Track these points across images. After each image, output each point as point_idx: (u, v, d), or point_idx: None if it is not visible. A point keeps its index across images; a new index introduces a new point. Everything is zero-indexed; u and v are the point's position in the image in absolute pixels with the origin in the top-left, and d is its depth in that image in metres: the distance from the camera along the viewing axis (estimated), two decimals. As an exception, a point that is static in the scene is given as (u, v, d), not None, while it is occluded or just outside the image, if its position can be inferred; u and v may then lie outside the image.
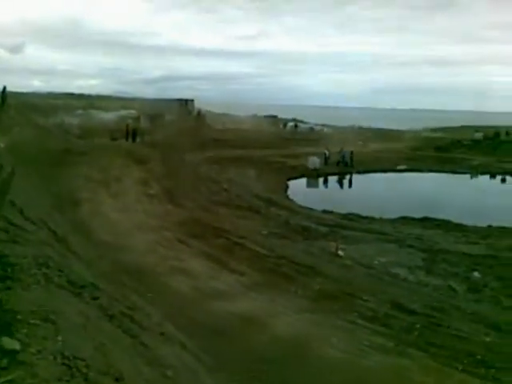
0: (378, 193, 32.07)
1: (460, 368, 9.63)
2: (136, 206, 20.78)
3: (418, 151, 48.91)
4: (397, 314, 12.05)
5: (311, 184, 36.83)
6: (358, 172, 40.34)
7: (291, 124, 61.76)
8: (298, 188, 34.17)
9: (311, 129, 59.97)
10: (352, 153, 41.56)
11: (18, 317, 4.67)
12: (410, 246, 18.28)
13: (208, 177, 30.11)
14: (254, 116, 63.79)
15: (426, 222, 23.08)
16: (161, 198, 22.37)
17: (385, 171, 40.95)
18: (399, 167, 42.04)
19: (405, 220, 23.41)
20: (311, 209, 25.55)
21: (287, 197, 30.24)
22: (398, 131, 62.91)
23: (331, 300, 12.63)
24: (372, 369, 9.70)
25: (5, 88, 29.16)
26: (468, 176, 40.37)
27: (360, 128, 62.78)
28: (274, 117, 66.57)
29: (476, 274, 15.41)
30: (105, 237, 16.18)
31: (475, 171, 41.16)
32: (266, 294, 12.78)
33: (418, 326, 11.40)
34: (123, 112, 46.45)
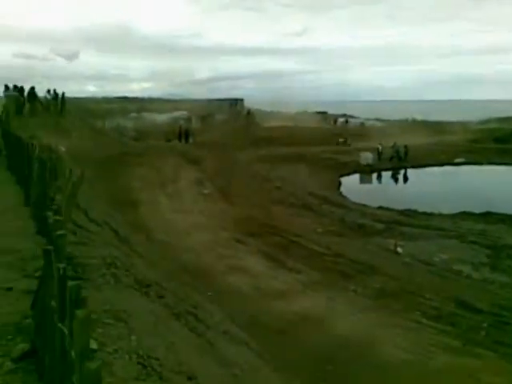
0: (435, 187, 31.00)
1: (533, 369, 9.18)
2: (192, 205, 21.12)
3: (476, 143, 46.98)
4: (462, 312, 11.62)
5: (364, 180, 36.15)
6: (413, 166, 39.19)
7: (342, 120, 60.86)
8: (351, 184, 33.62)
9: (362, 124, 58.90)
10: (406, 147, 40.41)
11: (93, 316, 4.81)
12: (473, 242, 17.55)
13: (260, 175, 30.16)
14: (304, 113, 63.23)
15: (488, 216, 22.09)
16: (215, 198, 22.61)
17: (441, 165, 39.58)
18: (456, 160, 40.51)
19: (465, 215, 22.51)
20: (366, 205, 25.04)
21: (340, 194, 29.82)
22: (451, 123, 60.73)
23: (392, 298, 12.34)
24: (439, 370, 9.40)
25: (63, 94, 30.49)
26: (531, 168, 38.39)
27: (413, 121, 61.02)
28: (324, 113, 65.83)
29: (545, 271, 14.63)
30: (163, 236, 16.53)
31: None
32: (324, 293, 12.64)
33: (486, 324, 10.95)
34: (175, 113, 47.33)
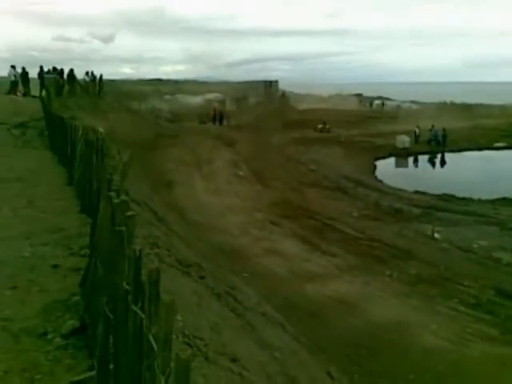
0: (474, 172, 30.23)
1: None
2: (227, 187, 21.21)
3: (517, 127, 45.37)
4: (502, 300, 11.35)
5: (400, 164, 35.50)
6: (451, 150, 38.22)
7: (377, 102, 59.65)
8: (386, 168, 33.07)
9: (398, 106, 57.63)
10: (444, 130, 39.39)
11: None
12: (513, 229, 17.08)
13: (294, 158, 30.00)
14: (339, 95, 62.32)
15: (529, 203, 21.43)
16: (250, 180, 22.64)
17: (480, 149, 38.51)
18: (497, 144, 39.27)
19: (506, 201, 21.81)
20: (402, 189, 24.61)
21: (376, 177, 29.38)
22: (491, 106, 58.74)
23: (429, 285, 12.17)
24: (476, 358, 9.26)
25: (101, 76, 30.88)
26: None
27: (451, 103, 59.32)
28: (359, 95, 64.65)
29: None
30: (198, 217, 16.69)
31: None
32: (360, 277, 12.57)
33: (525, 314, 10.69)
34: (209, 96, 47.32)
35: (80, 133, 9.04)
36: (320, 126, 41.82)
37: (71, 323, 4.39)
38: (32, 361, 3.86)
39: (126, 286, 2.43)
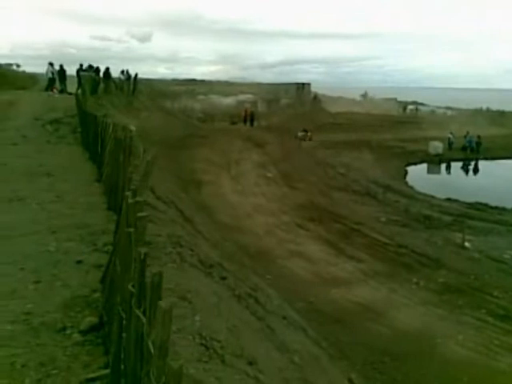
0: (509, 181, 29.37)
1: None
2: (254, 188, 21.18)
3: (556, 136, 43.90)
4: (533, 314, 10.98)
5: (432, 170, 34.81)
6: (486, 158, 37.31)
7: (411, 107, 58.68)
8: (417, 174, 32.51)
9: (433, 112, 56.55)
10: (479, 137, 38.49)
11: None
12: (548, 241, 16.50)
13: (324, 161, 29.76)
14: (371, 99, 61.61)
15: None
16: (278, 182, 22.55)
17: (517, 158, 37.44)
18: (533, 153, 38.12)
19: (541, 212, 21.19)
20: (433, 196, 24.13)
21: (406, 183, 28.92)
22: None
23: (457, 294, 11.88)
24: (502, 371, 8.99)
25: (136, 75, 31.31)
26: None
27: (488, 110, 57.84)
28: (393, 99, 63.76)
29: None
30: (226, 218, 16.70)
31: None
32: (386, 284, 12.37)
33: (557, 329, 10.30)
34: (241, 97, 47.42)
35: (110, 130, 9.11)
36: (301, 134, 37.19)
37: (89, 320, 4.40)
38: (50, 356, 3.88)
39: (131, 288, 2.39)
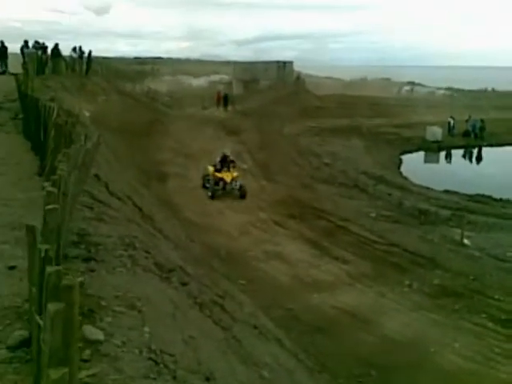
0: (516, 170, 29.90)
1: None
2: (228, 182, 21.13)
3: None
4: (537, 318, 11.22)
5: (430, 159, 35.26)
6: (490, 145, 37.95)
7: (407, 88, 59.38)
8: (413, 164, 32.93)
9: (432, 93, 57.24)
10: (483, 121, 39.02)
11: (102, 303, 4.83)
12: (556, 237, 16.87)
13: (308, 150, 29.91)
14: (363, 79, 62.07)
15: None
16: (255, 174, 22.60)
17: (524, 144, 38.13)
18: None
19: (549, 204, 21.63)
20: (430, 188, 24.48)
21: (400, 174, 29.28)
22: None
23: (454, 297, 12.11)
24: (504, 381, 9.18)
25: (90, 53, 30.89)
26: None
27: (493, 91, 58.76)
28: (387, 80, 64.34)
29: None
30: (193, 216, 16.68)
31: None
32: (374, 287, 12.54)
33: None
34: (214, 77, 47.33)
35: (54, 116, 8.97)
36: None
37: (20, 334, 4.31)
38: (-28, 375, 3.80)
39: (34, 291, 2.35)
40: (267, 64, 51.03)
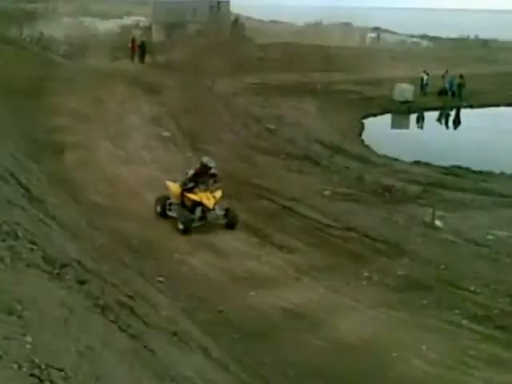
0: (499, 137, 30.98)
1: None
2: (143, 154, 21.01)
3: None
4: (519, 312, 11.78)
5: (398, 124, 36.12)
6: (470, 106, 39.07)
7: (372, 35, 60.34)
8: (377, 129, 33.61)
9: (402, 42, 58.39)
10: (462, 77, 40.02)
11: (-29, 307, 4.80)
12: (543, 215, 17.69)
13: (247, 112, 29.95)
14: (317, 25, 62.57)
15: None
16: (179, 143, 22.50)
17: (510, 105, 39.44)
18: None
19: (539, 176, 22.65)
20: (397, 159, 25.09)
21: (362, 142, 29.82)
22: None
23: (421, 291, 12.47)
24: (479, 389, 9.59)
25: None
26: None
27: (476, 39, 60.46)
28: (347, 25, 65.10)
29: None
30: (99, 198, 16.47)
31: None
32: (326, 281, 12.73)
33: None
34: (128, 20, 46.57)
35: None
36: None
37: None
38: None
39: None
40: (196, 3, 50.57)
